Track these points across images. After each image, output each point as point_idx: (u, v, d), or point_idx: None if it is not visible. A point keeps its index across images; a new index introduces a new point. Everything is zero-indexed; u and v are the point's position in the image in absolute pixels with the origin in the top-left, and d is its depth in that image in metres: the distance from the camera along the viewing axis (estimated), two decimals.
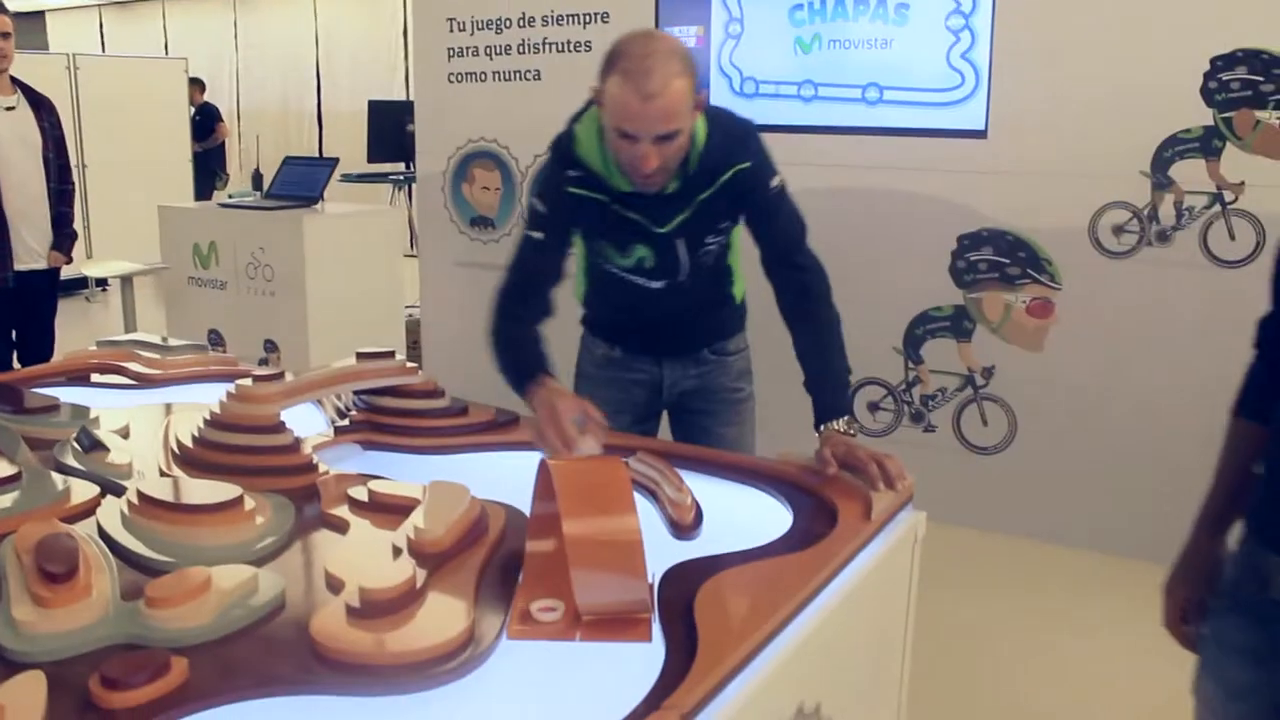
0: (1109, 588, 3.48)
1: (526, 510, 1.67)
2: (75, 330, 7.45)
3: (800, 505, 1.88)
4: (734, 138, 2.19)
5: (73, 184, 4.99)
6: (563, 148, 2.27)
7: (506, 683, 1.34)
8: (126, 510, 1.77)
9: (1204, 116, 3.45)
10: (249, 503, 1.76)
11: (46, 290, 4.90)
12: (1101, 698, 2.98)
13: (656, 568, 1.57)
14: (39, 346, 4.82)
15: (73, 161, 8.97)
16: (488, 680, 1.34)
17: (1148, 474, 3.67)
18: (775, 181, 2.21)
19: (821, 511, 1.85)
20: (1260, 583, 1.43)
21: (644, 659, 1.37)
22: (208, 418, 2.07)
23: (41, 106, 4.82)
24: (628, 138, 2.02)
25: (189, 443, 2.05)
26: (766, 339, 2.55)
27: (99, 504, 1.85)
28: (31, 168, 4.72)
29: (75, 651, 1.36)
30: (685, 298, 2.38)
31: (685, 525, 1.77)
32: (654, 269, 2.29)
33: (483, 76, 4.96)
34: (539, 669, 1.38)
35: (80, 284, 9.30)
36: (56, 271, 4.93)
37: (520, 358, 2.17)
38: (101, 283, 9.50)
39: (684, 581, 1.56)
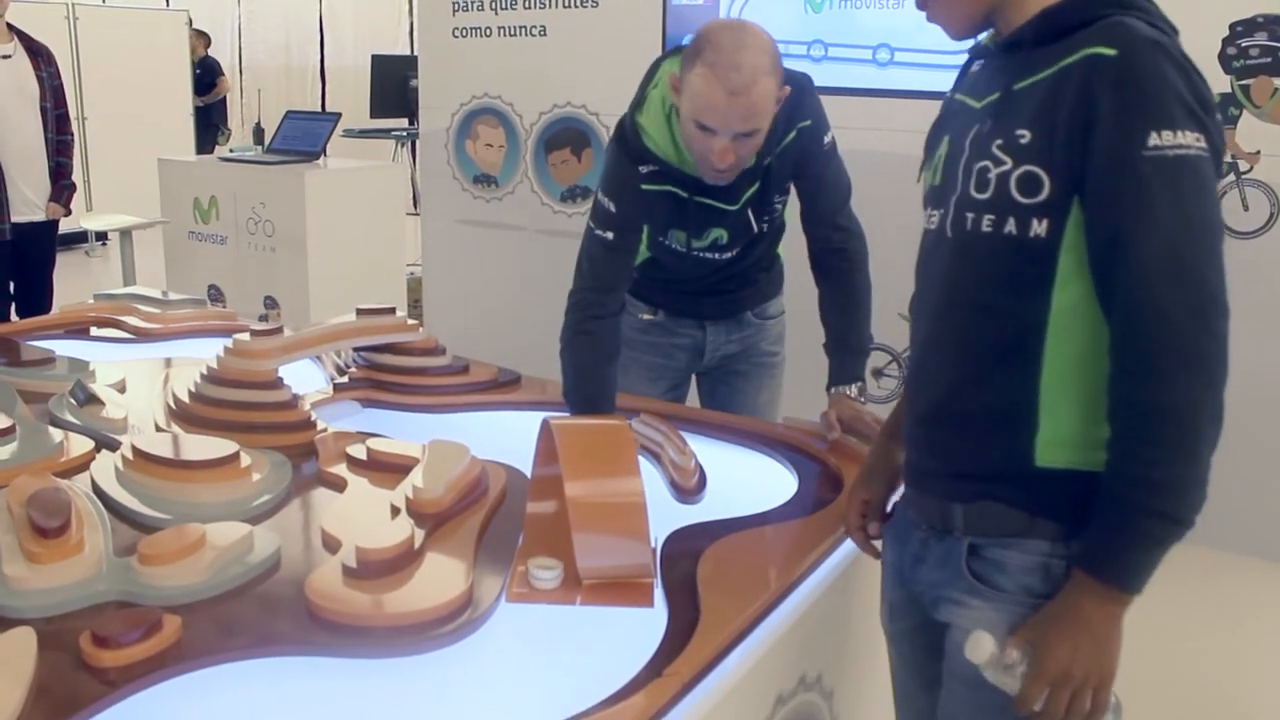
0: None
1: (528, 471, 1.64)
2: (75, 284, 7.40)
3: (806, 471, 1.86)
4: (794, 95, 2.01)
5: (71, 134, 4.92)
6: (630, 143, 2.11)
7: (505, 646, 1.32)
8: (121, 465, 1.75)
9: (1220, 83, 3.39)
10: (245, 459, 1.74)
11: (45, 242, 4.84)
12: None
13: (659, 531, 1.55)
14: (37, 299, 4.77)
15: (72, 114, 8.94)
16: (486, 643, 1.32)
17: None
18: (828, 138, 2.12)
19: (826, 477, 1.83)
20: (908, 498, 1.47)
21: (645, 624, 1.34)
22: (205, 373, 2.03)
23: (39, 55, 4.73)
24: (706, 130, 1.91)
25: (185, 398, 2.02)
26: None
27: (94, 459, 1.82)
28: (29, 117, 4.64)
29: (67, 608, 1.34)
30: (744, 262, 2.30)
31: (688, 489, 1.74)
32: (727, 244, 2.19)
33: (487, 32, 4.89)
34: (539, 632, 1.35)
35: (80, 238, 9.23)
36: (55, 223, 4.87)
37: (586, 390, 2.04)
38: (101, 236, 9.44)
39: (687, 546, 1.53)
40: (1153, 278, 1.16)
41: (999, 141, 1.25)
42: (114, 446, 1.86)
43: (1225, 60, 3.38)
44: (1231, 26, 3.35)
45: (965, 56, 1.45)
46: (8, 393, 2.10)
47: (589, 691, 1.18)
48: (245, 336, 2.05)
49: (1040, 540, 1.28)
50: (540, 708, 1.16)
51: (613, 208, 2.10)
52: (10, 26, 4.64)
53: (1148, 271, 1.16)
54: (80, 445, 1.87)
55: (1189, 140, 1.16)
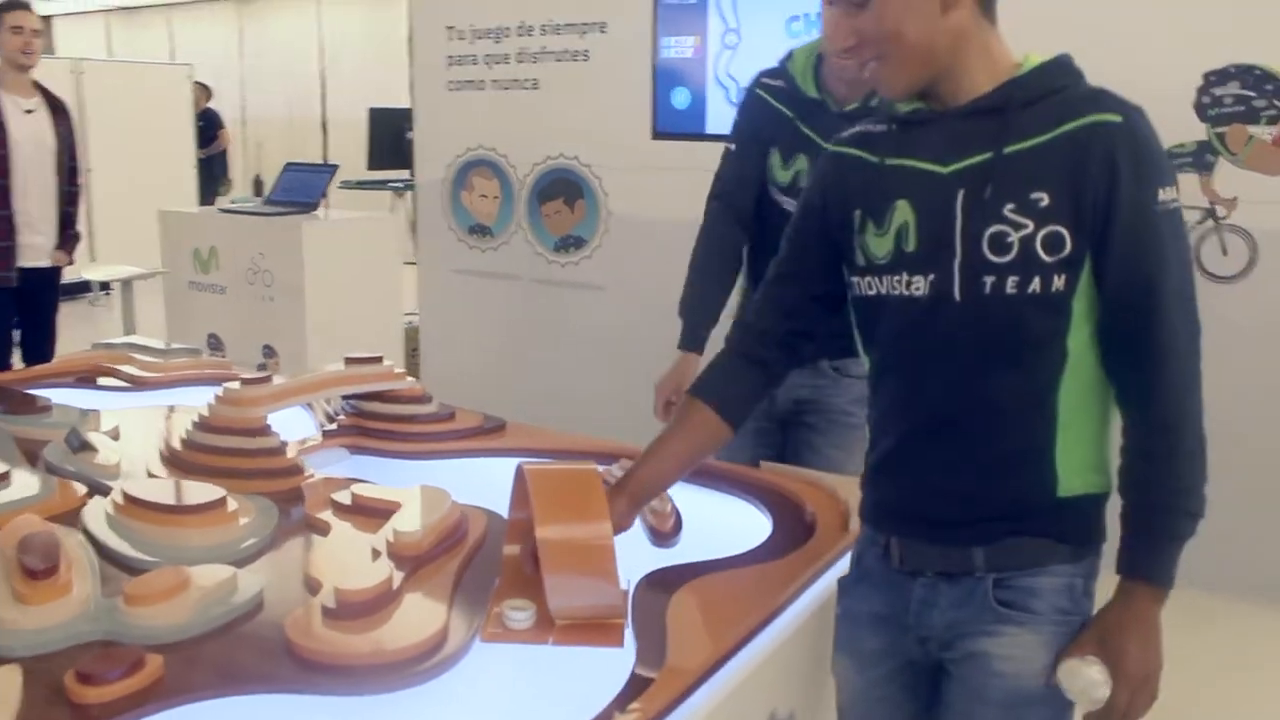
0: None
1: (505, 517, 1.69)
2: (77, 332, 7.46)
3: (780, 514, 1.90)
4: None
5: (79, 186, 5.07)
6: (776, 63, 2.47)
7: (479, 684, 1.36)
8: (111, 510, 1.79)
9: (1197, 131, 3.46)
10: (232, 504, 1.78)
11: (50, 289, 4.97)
12: None
13: (634, 574, 1.59)
14: (40, 345, 4.87)
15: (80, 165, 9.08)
16: (460, 681, 1.36)
17: None
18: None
19: (800, 521, 1.86)
20: (883, 552, 1.52)
21: (615, 664, 1.38)
22: (196, 420, 2.08)
23: (59, 111, 4.91)
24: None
25: (178, 445, 2.07)
26: None
27: (85, 503, 1.87)
28: (46, 170, 4.80)
29: (53, 647, 1.38)
30: None
31: (664, 532, 1.78)
32: None
33: (481, 85, 4.98)
34: (511, 671, 1.39)
35: (85, 287, 9.32)
36: (59, 271, 5.00)
37: (695, 307, 2.53)
38: (105, 286, 9.53)
39: (659, 588, 1.57)
40: (1170, 315, 1.33)
41: (1010, 206, 1.34)
42: (105, 492, 1.90)
43: (1200, 109, 3.45)
44: (1205, 76, 3.43)
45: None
46: (4, 439, 2.15)
47: None
48: (235, 385, 2.10)
49: (1063, 563, 1.42)
50: None
51: (737, 118, 2.51)
52: (35, 83, 4.82)
53: (1167, 310, 1.33)
54: (73, 490, 1.92)
55: (1176, 195, 1.34)
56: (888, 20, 1.36)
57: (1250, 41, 3.36)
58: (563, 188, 4.83)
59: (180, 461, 2.04)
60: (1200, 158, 3.48)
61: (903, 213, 1.42)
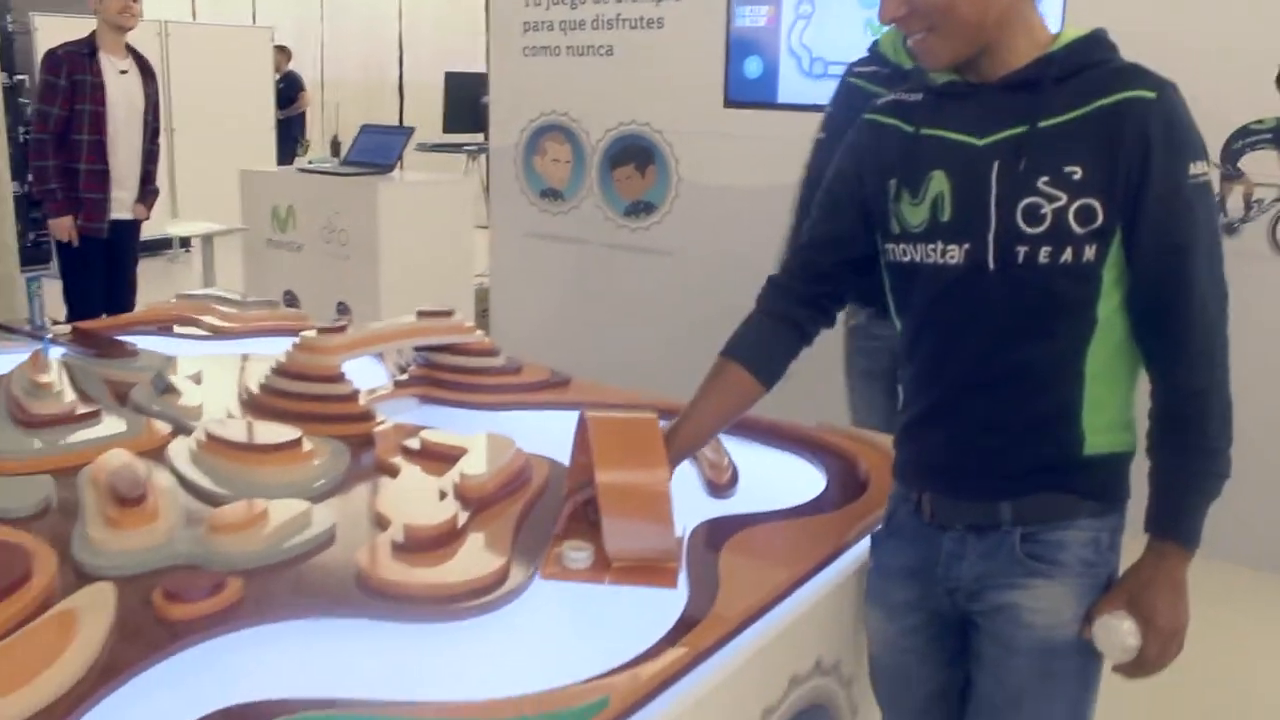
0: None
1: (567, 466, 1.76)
2: (157, 287, 7.68)
3: (835, 471, 1.94)
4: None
5: (159, 145, 5.29)
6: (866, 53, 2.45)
7: (537, 618, 1.42)
8: (194, 447, 1.89)
9: (1277, 107, 3.42)
10: (307, 445, 1.87)
11: (131, 241, 5.20)
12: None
13: (690, 522, 1.65)
14: (123, 296, 5.08)
15: (161, 125, 9.29)
16: (520, 615, 1.43)
17: None
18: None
19: (854, 478, 1.91)
20: (914, 507, 1.56)
21: (668, 604, 1.44)
22: (274, 367, 2.17)
23: (147, 72, 5.12)
24: None
25: (256, 390, 2.16)
26: None
27: (169, 441, 1.96)
28: (135, 129, 5.02)
29: (141, 569, 1.47)
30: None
31: (721, 484, 1.84)
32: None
33: (556, 51, 5.04)
34: (568, 607, 1.46)
35: (165, 244, 9.55)
36: (139, 224, 5.22)
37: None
38: (185, 243, 9.75)
39: (714, 535, 1.63)
40: (1200, 285, 1.38)
41: (1045, 179, 1.37)
42: (189, 431, 2.00)
43: None
44: None
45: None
46: (95, 381, 2.26)
47: (609, 659, 1.28)
48: (312, 333, 2.19)
49: (1089, 518, 1.46)
50: (563, 670, 1.26)
51: (831, 108, 2.42)
52: (128, 46, 5.02)
53: (1197, 280, 1.38)
54: (159, 429, 2.02)
55: (1206, 169, 1.38)
56: None
57: None
58: (634, 154, 4.87)
59: (258, 405, 2.13)
60: (1278, 134, 3.43)
61: (938, 183, 1.45)
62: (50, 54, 4.87)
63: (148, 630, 1.33)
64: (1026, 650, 1.47)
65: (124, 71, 4.95)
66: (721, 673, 1.33)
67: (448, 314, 2.35)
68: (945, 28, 1.39)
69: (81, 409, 2.02)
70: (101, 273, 5.03)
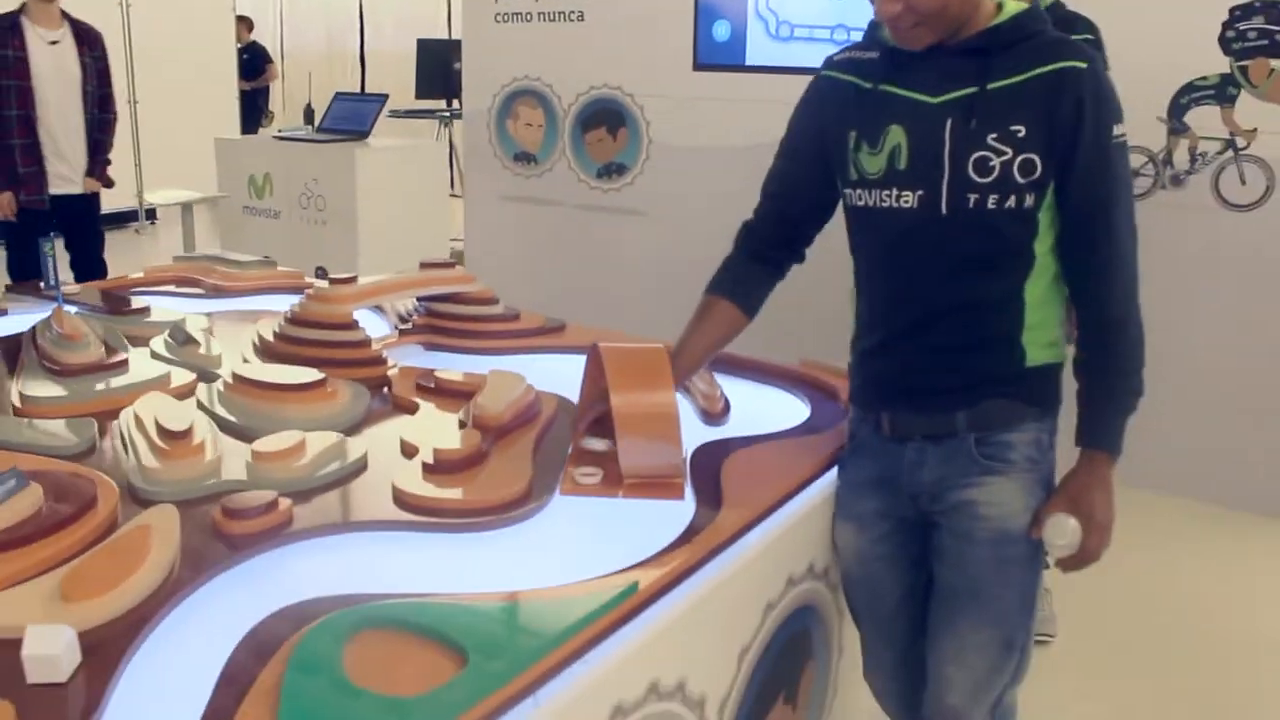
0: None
1: (574, 401, 1.91)
2: (125, 259, 7.71)
3: (817, 401, 2.11)
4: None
5: (114, 114, 5.16)
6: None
7: (560, 528, 1.58)
8: (222, 389, 2.02)
9: (1220, 64, 3.60)
10: (330, 385, 2.00)
11: (89, 216, 5.11)
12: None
13: (688, 445, 1.80)
14: (88, 271, 5.01)
15: (124, 97, 9.27)
16: (544, 525, 1.58)
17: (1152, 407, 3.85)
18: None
19: (835, 407, 2.07)
20: (874, 425, 1.77)
21: (677, 512, 1.59)
22: (288, 316, 2.30)
23: (86, 40, 4.99)
24: None
25: (271, 338, 2.29)
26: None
27: (196, 386, 2.09)
28: (70, 99, 4.90)
29: (195, 494, 1.61)
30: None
31: (715, 414, 2.00)
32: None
33: (528, 17, 5.15)
34: (588, 517, 1.61)
35: (131, 216, 9.58)
36: (96, 198, 5.14)
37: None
38: (150, 214, 9.78)
39: (713, 455, 1.79)
40: (1120, 230, 1.61)
41: (993, 135, 1.56)
42: (211, 378, 2.13)
43: (1224, 42, 3.59)
44: (1231, 10, 3.57)
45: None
46: (115, 335, 2.38)
47: (630, 558, 1.44)
48: (325, 284, 2.32)
49: (1031, 422, 1.68)
50: (590, 568, 1.41)
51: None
52: (63, 13, 4.91)
53: (1117, 225, 1.60)
54: (183, 376, 2.15)
55: (1124, 130, 1.59)
56: None
57: None
58: (606, 116, 5.00)
59: (274, 352, 2.25)
60: (1222, 90, 3.62)
61: (895, 135, 1.64)
62: None
63: (210, 544, 1.47)
64: (983, 540, 1.68)
65: (54, 42, 4.84)
66: (730, 568, 1.50)
67: (450, 265, 2.49)
68: (933, 21, 1.58)
69: (111, 358, 2.15)
70: (45, 242, 4.96)
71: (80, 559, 1.37)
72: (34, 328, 2.33)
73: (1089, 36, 2.60)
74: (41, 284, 2.86)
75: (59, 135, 4.89)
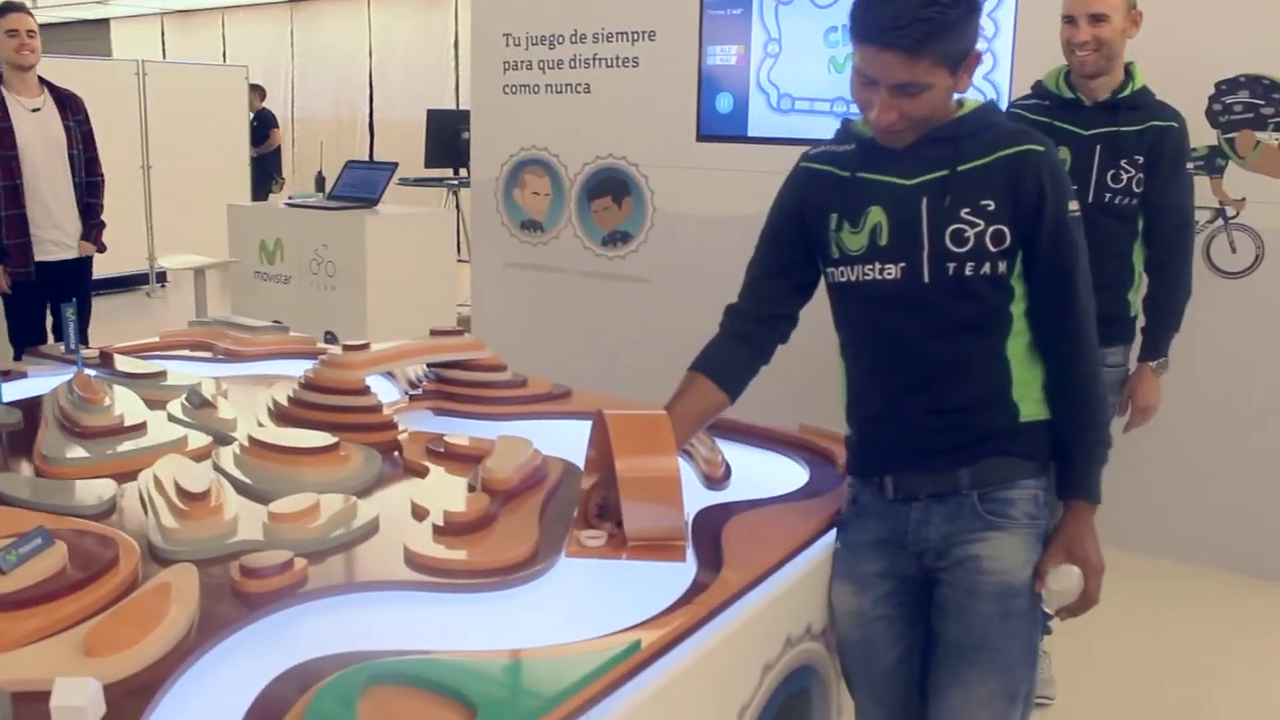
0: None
1: (580, 465, 1.97)
2: (137, 322, 7.83)
3: (815, 465, 2.16)
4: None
5: (101, 176, 5.15)
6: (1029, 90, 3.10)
7: (566, 590, 1.63)
8: (238, 452, 2.08)
9: (1208, 136, 3.70)
10: (343, 449, 2.07)
11: (81, 279, 5.10)
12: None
13: (690, 509, 1.86)
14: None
15: (137, 163, 9.45)
16: (550, 587, 1.63)
17: (1149, 471, 3.90)
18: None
19: (832, 471, 2.13)
20: (877, 489, 1.85)
21: (679, 574, 1.65)
22: (302, 382, 2.37)
23: (68, 105, 5.01)
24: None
25: (285, 403, 2.36)
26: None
27: (213, 449, 2.16)
28: (57, 165, 4.92)
29: (213, 553, 1.66)
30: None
31: (716, 478, 2.05)
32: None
33: (535, 89, 5.28)
34: (593, 580, 1.66)
35: (141, 279, 9.71)
36: (89, 261, 5.14)
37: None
38: (161, 278, 9.91)
39: (714, 519, 1.84)
40: (1079, 294, 1.77)
41: (966, 209, 1.72)
42: (227, 441, 2.19)
43: (1212, 115, 3.70)
44: (1217, 85, 3.68)
45: None
46: (133, 399, 2.44)
47: (633, 618, 1.48)
48: (338, 350, 2.39)
49: (1029, 478, 1.79)
50: (593, 628, 1.46)
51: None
52: (41, 80, 4.94)
53: (1076, 291, 1.77)
54: (200, 439, 2.21)
55: (1078, 207, 1.77)
56: (931, 104, 1.70)
57: (1259, 53, 3.61)
58: (611, 186, 5.11)
59: (288, 417, 2.32)
60: (1211, 161, 3.72)
61: (876, 215, 1.79)
62: None
63: (228, 602, 1.52)
64: (988, 594, 1.74)
65: (36, 109, 4.86)
66: (730, 628, 1.55)
67: (459, 333, 2.56)
68: (921, 125, 1.73)
69: (130, 421, 2.21)
70: (41, 314, 4.94)
71: (103, 615, 1.42)
72: (54, 390, 2.40)
73: (1173, 124, 2.88)
74: (62, 348, 2.93)
75: (50, 202, 4.89)
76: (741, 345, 1.98)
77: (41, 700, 1.19)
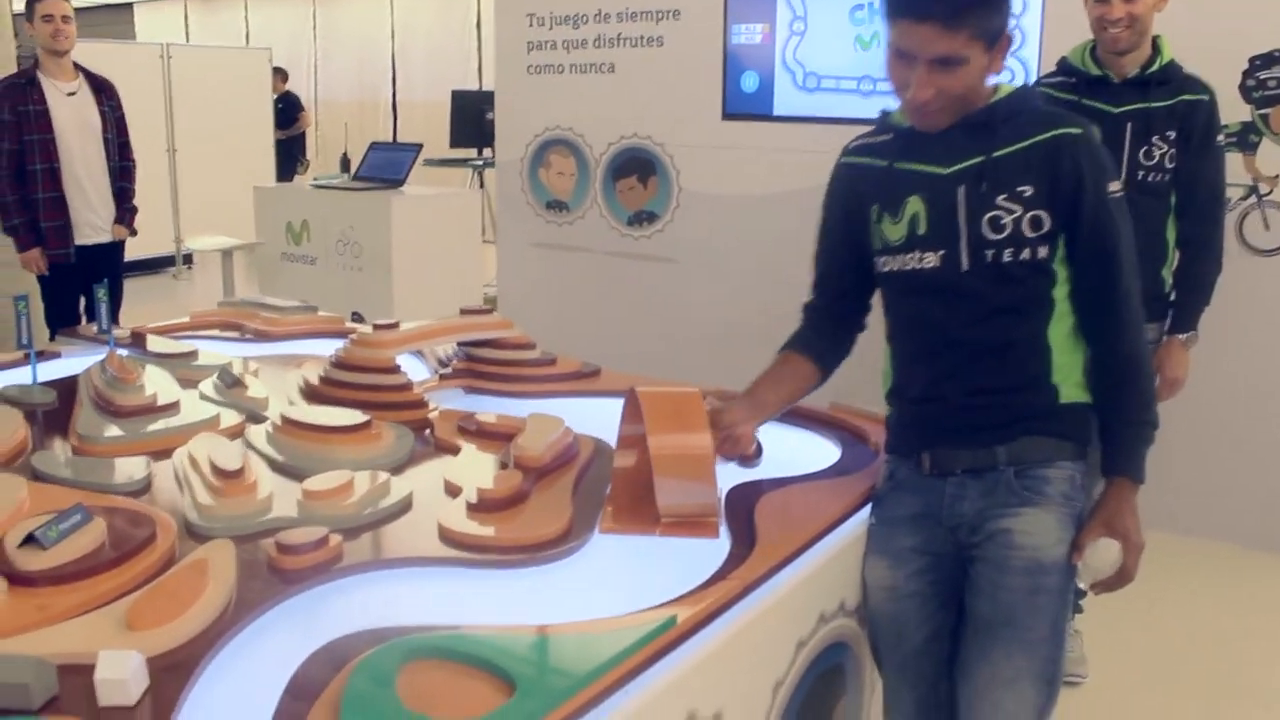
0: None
1: (610, 443, 1.97)
2: (165, 303, 7.87)
3: (847, 444, 2.16)
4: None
5: (133, 161, 5.21)
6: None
7: (600, 565, 1.63)
8: (271, 430, 2.09)
9: (1242, 113, 3.65)
10: (375, 427, 2.07)
11: (113, 261, 5.16)
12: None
13: (723, 486, 1.85)
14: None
15: (162, 146, 9.50)
16: (584, 563, 1.63)
17: (1178, 449, 3.87)
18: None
19: (864, 449, 2.12)
20: (914, 465, 1.86)
21: (712, 550, 1.65)
22: (333, 361, 2.38)
23: (103, 90, 5.07)
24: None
25: (316, 382, 2.36)
26: None
27: (246, 427, 2.17)
28: (92, 149, 4.98)
29: (248, 529, 1.67)
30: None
31: (748, 457, 2.04)
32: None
33: (560, 69, 5.26)
34: (627, 556, 1.66)
35: (168, 261, 9.76)
36: (121, 244, 5.20)
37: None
38: (187, 260, 9.96)
39: (747, 496, 1.84)
40: (1123, 276, 1.77)
41: (1003, 195, 1.73)
42: (259, 420, 2.20)
43: (1245, 91, 3.65)
44: (1251, 60, 3.63)
45: None
46: (167, 378, 2.46)
47: (667, 594, 1.48)
48: (369, 329, 2.40)
49: (1067, 460, 1.79)
50: (629, 604, 1.46)
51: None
52: (76, 65, 4.99)
53: (1122, 272, 1.77)
54: (232, 417, 2.22)
55: (1119, 186, 1.77)
56: (967, 80, 1.71)
57: None
58: (636, 165, 5.10)
59: (319, 395, 2.32)
60: (1244, 138, 3.68)
61: (914, 205, 1.80)
62: None
63: (264, 578, 1.53)
64: (1018, 569, 1.75)
65: (72, 94, 4.91)
66: (763, 604, 1.55)
67: (489, 311, 2.56)
68: (956, 104, 1.73)
69: (163, 400, 2.23)
70: (75, 296, 5.00)
71: (143, 590, 1.43)
72: (88, 370, 2.42)
73: (1203, 97, 2.84)
74: (94, 328, 2.95)
75: (86, 186, 4.95)
76: (824, 335, 2.03)
77: (85, 673, 1.21)
